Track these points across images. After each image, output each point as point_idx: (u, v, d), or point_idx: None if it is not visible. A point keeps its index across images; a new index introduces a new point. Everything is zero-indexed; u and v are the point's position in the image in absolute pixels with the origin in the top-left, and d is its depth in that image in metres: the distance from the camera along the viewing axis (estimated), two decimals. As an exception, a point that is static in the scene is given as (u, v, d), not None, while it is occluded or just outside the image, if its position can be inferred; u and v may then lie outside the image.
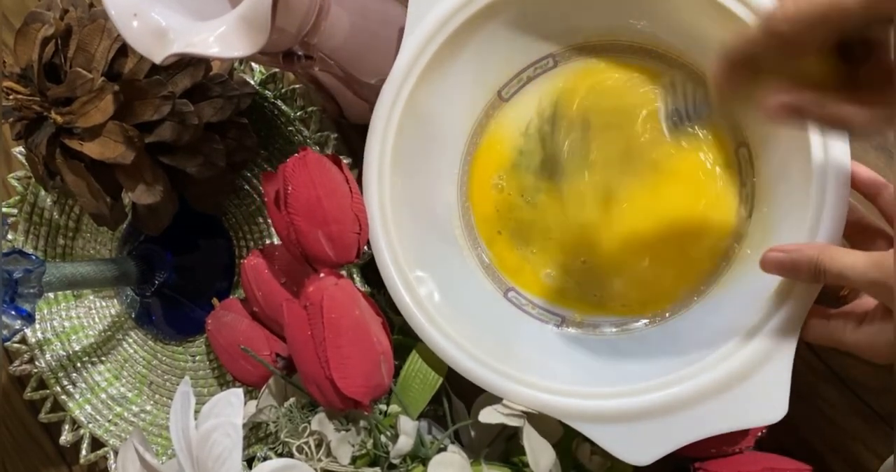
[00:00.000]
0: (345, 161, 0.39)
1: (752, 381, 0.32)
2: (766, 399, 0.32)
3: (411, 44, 0.38)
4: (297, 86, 0.47)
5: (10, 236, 0.52)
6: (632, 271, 0.39)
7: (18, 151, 0.52)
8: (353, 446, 0.35)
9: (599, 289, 0.40)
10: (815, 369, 0.40)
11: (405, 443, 0.34)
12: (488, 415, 0.34)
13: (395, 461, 0.35)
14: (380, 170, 0.38)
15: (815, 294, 0.32)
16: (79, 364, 0.52)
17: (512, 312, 0.40)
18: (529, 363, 0.36)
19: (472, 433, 0.40)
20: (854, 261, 0.28)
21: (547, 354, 0.38)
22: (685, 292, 0.38)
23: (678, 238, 0.38)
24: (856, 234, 0.34)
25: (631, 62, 0.40)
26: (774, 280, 0.32)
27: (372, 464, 0.35)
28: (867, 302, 0.32)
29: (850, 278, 0.29)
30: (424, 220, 0.40)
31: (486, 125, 0.42)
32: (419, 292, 0.37)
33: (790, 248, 0.31)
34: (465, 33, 0.38)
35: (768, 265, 0.31)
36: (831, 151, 0.32)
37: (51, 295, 0.52)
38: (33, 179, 0.52)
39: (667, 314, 0.38)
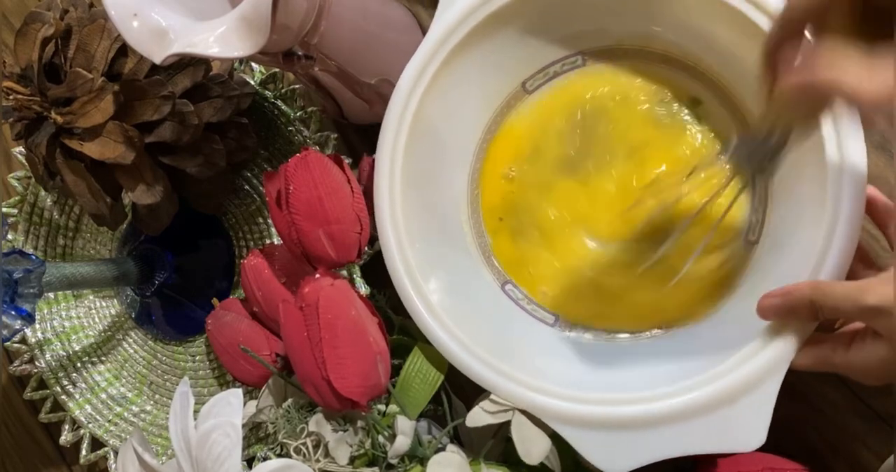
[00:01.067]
0: (346, 161, 0.39)
1: (737, 407, 0.32)
2: (747, 426, 0.32)
3: (439, 27, 0.37)
4: (296, 86, 0.47)
5: (9, 237, 0.52)
6: (631, 282, 0.38)
7: (18, 151, 0.52)
8: (351, 446, 0.35)
9: (595, 295, 0.39)
10: (814, 370, 0.40)
11: (402, 443, 0.34)
12: (476, 418, 0.35)
13: (394, 461, 0.35)
14: (392, 154, 0.38)
15: (814, 326, 0.32)
16: (79, 364, 0.52)
17: (507, 305, 0.40)
18: (519, 359, 0.36)
19: (471, 433, 0.40)
20: (846, 293, 0.28)
21: (536, 351, 0.38)
22: (683, 308, 0.38)
23: (683, 253, 0.37)
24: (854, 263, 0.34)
25: (660, 71, 0.39)
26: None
27: (370, 464, 0.35)
28: (855, 324, 0.32)
29: (845, 310, 0.29)
30: (433, 207, 0.40)
31: (506, 115, 0.42)
32: (420, 281, 0.37)
33: (782, 291, 0.31)
34: (492, 23, 0.38)
35: (766, 313, 0.31)
36: (847, 159, 0.32)
37: (51, 295, 0.52)
38: (33, 180, 0.52)
39: (661, 329, 0.38)
